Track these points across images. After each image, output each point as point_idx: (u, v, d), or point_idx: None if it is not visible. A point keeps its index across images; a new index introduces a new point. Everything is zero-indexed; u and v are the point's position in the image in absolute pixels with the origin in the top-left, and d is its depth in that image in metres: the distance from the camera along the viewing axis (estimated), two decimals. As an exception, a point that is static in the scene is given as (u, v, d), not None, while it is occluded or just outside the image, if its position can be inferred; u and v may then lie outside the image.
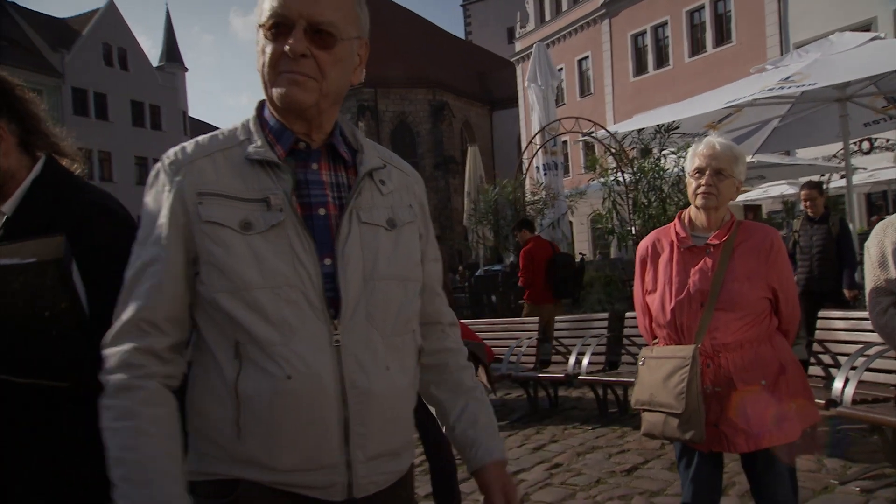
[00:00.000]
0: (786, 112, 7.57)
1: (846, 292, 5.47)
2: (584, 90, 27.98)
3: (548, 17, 30.03)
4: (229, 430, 1.09)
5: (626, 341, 5.44)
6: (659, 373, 2.13)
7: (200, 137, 1.19)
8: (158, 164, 1.16)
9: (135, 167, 34.63)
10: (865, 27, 17.08)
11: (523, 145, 32.24)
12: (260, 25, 1.12)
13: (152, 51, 38.12)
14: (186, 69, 38.93)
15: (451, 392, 1.34)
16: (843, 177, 12.47)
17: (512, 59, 33.00)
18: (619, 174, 7.39)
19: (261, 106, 1.21)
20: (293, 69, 1.09)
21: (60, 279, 1.30)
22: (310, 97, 1.10)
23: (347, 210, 1.15)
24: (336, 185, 1.18)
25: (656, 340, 2.26)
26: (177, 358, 1.14)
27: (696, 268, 2.10)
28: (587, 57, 27.78)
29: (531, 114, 10.08)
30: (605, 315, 5.90)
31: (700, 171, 2.12)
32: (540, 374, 5.68)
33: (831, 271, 5.49)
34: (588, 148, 25.10)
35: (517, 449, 4.70)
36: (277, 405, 1.07)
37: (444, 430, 1.36)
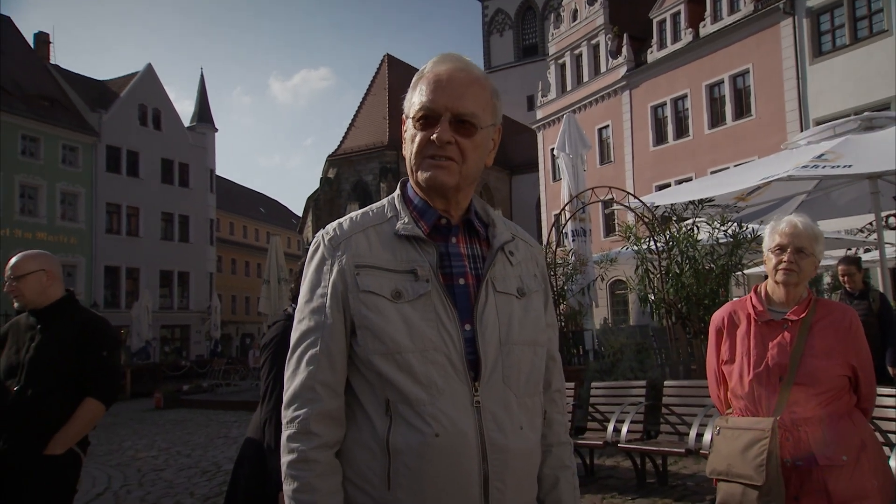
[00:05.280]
0: (813, 187, 7.72)
1: (890, 369, 5.40)
2: (605, 158, 28.42)
3: (569, 87, 30.85)
4: (379, 480, 1.18)
5: (664, 410, 5.44)
6: (736, 444, 2.15)
7: (353, 214, 1.33)
8: (319, 240, 1.30)
9: (161, 223, 35.37)
10: (884, 106, 17.38)
11: (542, 210, 32.70)
12: (409, 117, 1.27)
13: (189, 109, 39.52)
14: (217, 129, 40.18)
15: (546, 465, 1.37)
16: (867, 251, 12.49)
17: (532, 126, 33.73)
18: (652, 242, 7.52)
19: (403, 185, 1.35)
20: (438, 153, 1.23)
21: None
22: (452, 179, 1.24)
23: (484, 280, 1.26)
24: (472, 256, 1.30)
25: (730, 410, 2.29)
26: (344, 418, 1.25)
27: (775, 342, 2.15)
28: (607, 126, 28.32)
29: (562, 181, 10.32)
30: (643, 383, 5.90)
31: (781, 248, 2.18)
32: (577, 441, 5.67)
33: (874, 348, 5.44)
34: (612, 216, 25.34)
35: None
36: (426, 459, 1.15)
37: None
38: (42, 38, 35.58)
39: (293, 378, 1.24)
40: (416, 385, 1.17)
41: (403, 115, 1.31)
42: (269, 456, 2.38)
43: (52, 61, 35.24)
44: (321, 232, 1.31)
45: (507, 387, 1.23)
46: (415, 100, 1.26)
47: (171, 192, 35.87)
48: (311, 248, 1.30)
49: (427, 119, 1.23)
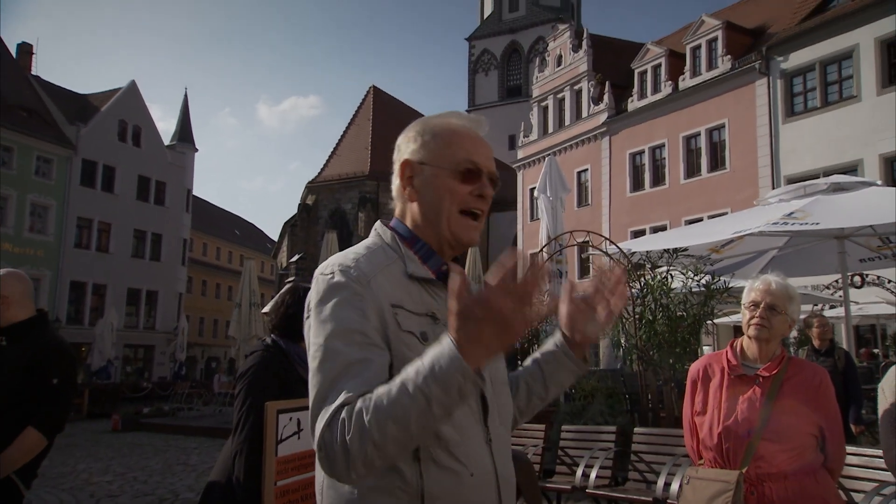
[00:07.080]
0: (784, 244, 7.95)
1: (853, 428, 5.48)
2: (582, 201, 28.88)
3: (550, 129, 31.47)
4: None
5: (633, 457, 5.45)
6: (703, 494, 2.20)
7: (355, 254, 1.25)
8: (337, 275, 1.20)
9: (133, 240, 34.85)
10: (852, 168, 18.03)
11: (519, 247, 32.74)
12: (443, 168, 1.27)
13: (173, 129, 39.19)
14: (196, 150, 40.02)
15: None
16: (832, 307, 12.82)
17: (513, 165, 34.20)
18: (627, 289, 7.61)
19: (393, 226, 1.32)
20: (480, 207, 1.29)
21: None
22: (479, 235, 1.32)
23: None
24: None
25: (702, 461, 2.35)
26: None
27: (745, 396, 2.21)
28: (586, 169, 28.88)
29: (540, 222, 10.45)
30: (613, 429, 5.92)
31: (755, 305, 2.27)
32: (545, 485, 5.63)
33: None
34: (588, 259, 25.61)
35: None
36: (463, 500, 1.16)
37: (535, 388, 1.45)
38: (25, 49, 35.34)
39: (329, 403, 1.08)
40: (450, 426, 1.16)
41: (414, 161, 1.30)
42: (237, 489, 2.34)
43: (33, 72, 34.93)
44: (334, 267, 1.22)
45: (500, 423, 1.29)
46: (458, 155, 1.28)
47: (146, 210, 35.45)
48: (328, 284, 1.20)
49: (471, 174, 1.27)
